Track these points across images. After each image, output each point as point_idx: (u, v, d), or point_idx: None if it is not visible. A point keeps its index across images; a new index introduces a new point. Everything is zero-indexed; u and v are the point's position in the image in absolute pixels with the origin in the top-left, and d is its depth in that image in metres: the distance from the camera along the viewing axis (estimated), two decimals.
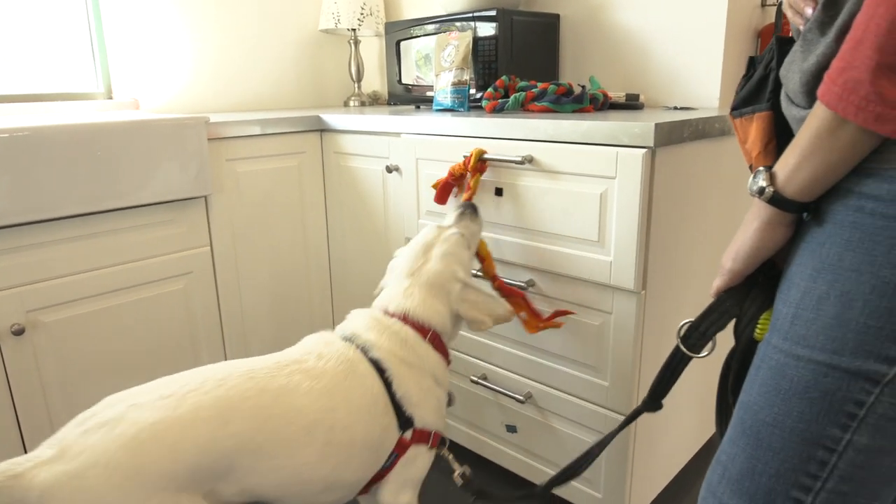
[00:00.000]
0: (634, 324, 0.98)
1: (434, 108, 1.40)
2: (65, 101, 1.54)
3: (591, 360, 1.05)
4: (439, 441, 0.87)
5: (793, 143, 0.50)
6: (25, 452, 1.11)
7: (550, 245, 1.04)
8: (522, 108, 1.24)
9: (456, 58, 1.33)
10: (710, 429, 1.39)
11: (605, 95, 1.28)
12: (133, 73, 1.60)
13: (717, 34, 1.29)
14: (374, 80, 2.06)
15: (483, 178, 1.10)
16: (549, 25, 1.47)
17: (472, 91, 1.38)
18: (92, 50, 1.59)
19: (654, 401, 0.71)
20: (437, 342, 0.87)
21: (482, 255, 1.03)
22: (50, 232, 1.09)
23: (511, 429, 1.22)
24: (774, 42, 0.59)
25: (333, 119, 1.44)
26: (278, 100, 1.91)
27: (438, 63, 1.38)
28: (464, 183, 1.10)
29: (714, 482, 0.57)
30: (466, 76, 1.34)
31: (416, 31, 1.49)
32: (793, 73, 0.53)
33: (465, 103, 1.34)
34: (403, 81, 1.59)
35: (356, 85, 1.92)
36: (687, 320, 0.63)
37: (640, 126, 0.90)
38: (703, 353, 0.63)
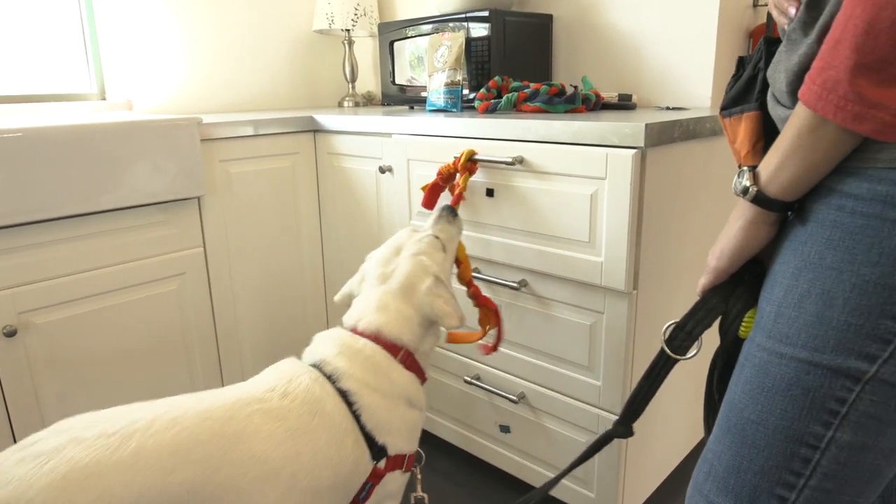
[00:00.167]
0: (626, 323, 0.98)
1: (427, 108, 1.40)
2: (58, 101, 1.53)
3: (584, 360, 1.05)
4: (415, 460, 0.85)
5: (775, 143, 0.50)
6: None
7: (542, 246, 1.04)
8: (515, 108, 1.25)
9: (449, 58, 1.33)
10: (702, 430, 1.39)
11: (598, 96, 1.28)
12: (126, 74, 1.60)
13: (709, 34, 1.29)
14: (369, 81, 2.06)
15: (474, 179, 1.10)
16: (541, 26, 1.47)
17: (465, 92, 1.38)
18: (85, 51, 1.59)
19: (627, 421, 0.69)
20: (411, 361, 0.84)
21: (459, 259, 1.00)
22: (42, 233, 1.09)
23: (504, 429, 1.22)
24: (762, 42, 0.60)
25: (327, 120, 1.44)
26: (272, 100, 1.91)
27: (431, 64, 1.38)
28: (453, 184, 1.10)
29: (701, 480, 0.57)
30: (459, 77, 1.34)
31: (410, 31, 1.49)
32: (778, 72, 0.53)
33: (458, 104, 1.34)
34: (397, 82, 1.59)
35: (350, 85, 1.93)
36: (671, 322, 0.63)
37: (631, 126, 0.90)
38: (690, 354, 0.63)
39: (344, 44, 1.89)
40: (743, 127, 0.60)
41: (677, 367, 1.20)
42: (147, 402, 0.70)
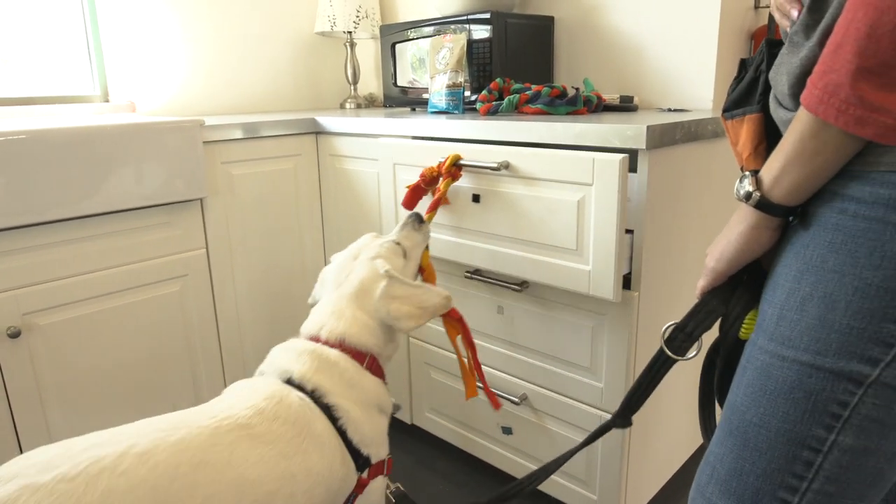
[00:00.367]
0: (628, 325, 0.98)
1: (429, 110, 1.41)
2: (61, 104, 1.54)
3: (586, 362, 1.05)
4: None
5: (777, 147, 0.50)
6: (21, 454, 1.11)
7: (528, 253, 1.02)
8: (516, 110, 1.25)
9: (450, 60, 1.34)
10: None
11: (599, 97, 1.28)
12: (129, 76, 1.61)
13: (711, 36, 1.29)
14: (370, 83, 2.06)
15: (459, 184, 1.07)
16: (543, 28, 1.47)
17: (467, 93, 1.39)
18: (88, 53, 1.60)
19: (626, 414, 0.70)
20: (376, 366, 0.83)
21: (422, 267, 0.98)
22: (46, 235, 1.10)
23: (506, 430, 1.22)
24: (764, 44, 0.60)
25: (329, 121, 1.44)
26: (274, 102, 1.92)
27: (433, 65, 1.38)
28: (435, 188, 1.07)
29: (703, 482, 0.57)
30: (461, 79, 1.34)
31: (412, 33, 1.50)
32: (781, 75, 0.53)
33: (460, 106, 1.34)
34: (399, 84, 1.59)
35: (352, 87, 1.93)
36: (670, 323, 0.63)
37: (633, 128, 0.90)
38: (690, 355, 0.63)
39: (346, 46, 1.89)
40: (745, 129, 0.60)
41: (680, 368, 1.20)
42: (106, 433, 0.62)
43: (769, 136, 0.59)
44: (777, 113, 0.55)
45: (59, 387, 1.15)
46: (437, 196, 1.05)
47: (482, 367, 1.24)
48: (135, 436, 0.61)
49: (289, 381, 0.76)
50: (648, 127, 0.89)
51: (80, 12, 1.57)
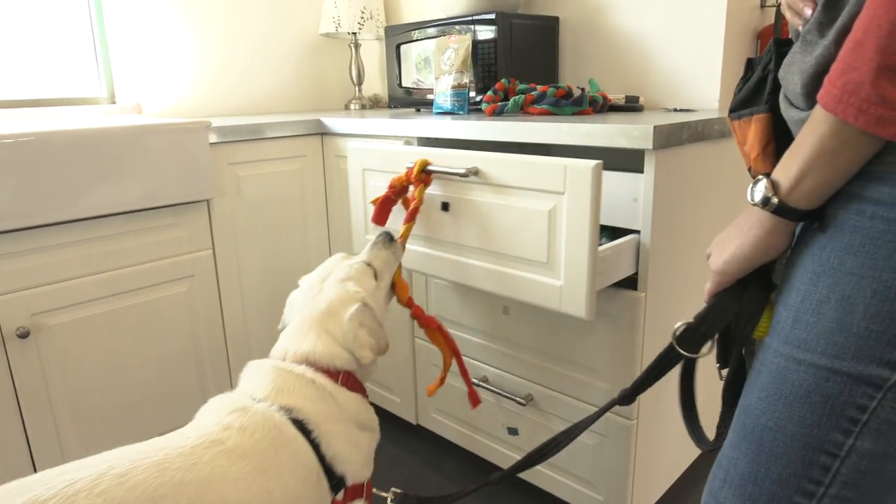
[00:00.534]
0: (635, 325, 0.97)
1: (434, 111, 1.40)
2: (68, 106, 1.54)
3: (592, 363, 1.05)
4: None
5: (792, 149, 0.49)
6: (31, 454, 1.12)
7: (497, 266, 0.96)
8: (522, 110, 1.24)
9: (455, 61, 1.33)
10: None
11: (605, 98, 1.28)
12: (136, 78, 1.61)
13: (717, 36, 1.29)
14: (375, 84, 2.06)
15: (428, 190, 1.02)
16: (548, 28, 1.47)
17: (472, 94, 1.38)
18: (95, 55, 1.60)
19: (632, 395, 0.70)
20: (352, 382, 0.80)
21: (394, 282, 0.95)
22: (54, 236, 1.10)
23: (512, 431, 1.22)
24: (773, 44, 0.59)
25: (334, 122, 1.44)
26: (280, 103, 1.92)
27: (438, 66, 1.38)
28: (406, 197, 1.03)
29: (716, 487, 0.56)
30: (466, 79, 1.34)
31: (416, 34, 1.49)
32: (792, 74, 0.52)
33: (465, 106, 1.34)
34: (404, 84, 1.59)
35: (357, 88, 1.93)
36: (683, 322, 0.63)
37: (640, 129, 0.89)
38: (702, 354, 0.62)
39: (350, 47, 1.89)
40: (753, 129, 0.59)
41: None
42: (84, 460, 0.62)
43: (778, 136, 0.58)
44: (788, 112, 0.54)
45: (67, 387, 1.15)
46: (413, 205, 0.99)
47: (473, 366, 1.24)
48: (113, 459, 0.61)
49: (262, 401, 0.75)
50: (655, 127, 0.88)
51: (87, 14, 1.57)
